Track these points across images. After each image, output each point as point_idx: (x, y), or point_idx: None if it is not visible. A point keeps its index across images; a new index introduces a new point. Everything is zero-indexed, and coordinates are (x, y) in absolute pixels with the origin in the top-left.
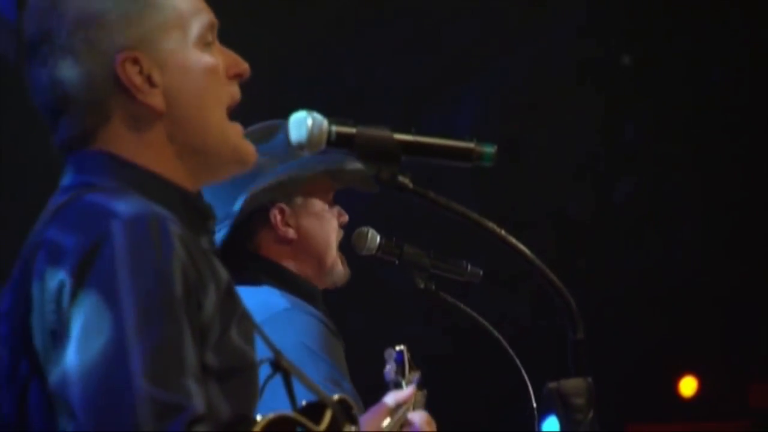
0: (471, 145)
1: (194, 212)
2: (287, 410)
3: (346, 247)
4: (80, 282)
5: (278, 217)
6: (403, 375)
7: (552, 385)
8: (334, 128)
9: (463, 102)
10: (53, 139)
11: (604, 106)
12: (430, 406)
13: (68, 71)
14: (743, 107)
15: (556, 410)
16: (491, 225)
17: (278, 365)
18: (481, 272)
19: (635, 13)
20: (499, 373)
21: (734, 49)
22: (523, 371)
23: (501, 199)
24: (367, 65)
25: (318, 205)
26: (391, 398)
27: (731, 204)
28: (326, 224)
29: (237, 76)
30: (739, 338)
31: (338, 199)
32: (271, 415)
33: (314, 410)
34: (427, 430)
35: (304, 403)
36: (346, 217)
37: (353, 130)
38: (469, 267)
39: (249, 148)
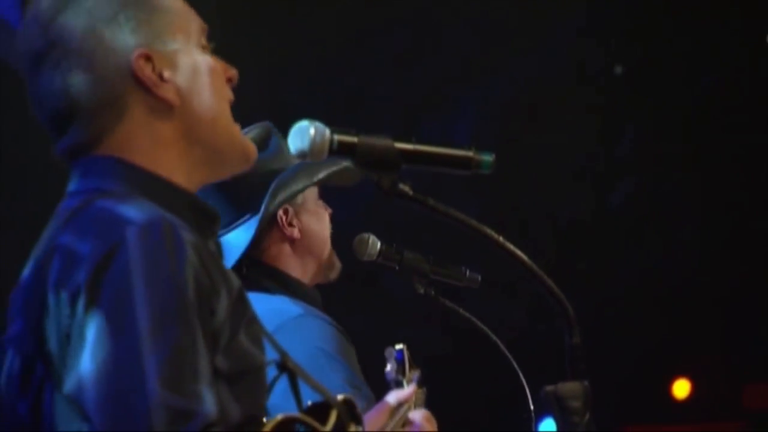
0: (470, 153)
1: (201, 216)
2: (294, 412)
3: (347, 251)
4: (96, 288)
5: (284, 218)
6: (403, 374)
7: (549, 388)
8: (336, 137)
9: (462, 109)
10: (56, 148)
11: (601, 111)
12: (431, 409)
13: (83, 73)
14: (740, 110)
15: (553, 413)
16: (489, 231)
17: (284, 366)
18: (480, 278)
19: (632, 19)
20: (498, 377)
21: (731, 53)
22: (521, 374)
23: (500, 201)
24: (366, 73)
25: (313, 202)
26: (392, 397)
27: (726, 208)
28: (322, 220)
29: (228, 81)
30: (733, 340)
31: (339, 205)
32: (278, 417)
33: (320, 410)
34: (428, 427)
35: (309, 403)
36: (330, 210)
37: (355, 139)
38: (467, 272)
39: (253, 147)
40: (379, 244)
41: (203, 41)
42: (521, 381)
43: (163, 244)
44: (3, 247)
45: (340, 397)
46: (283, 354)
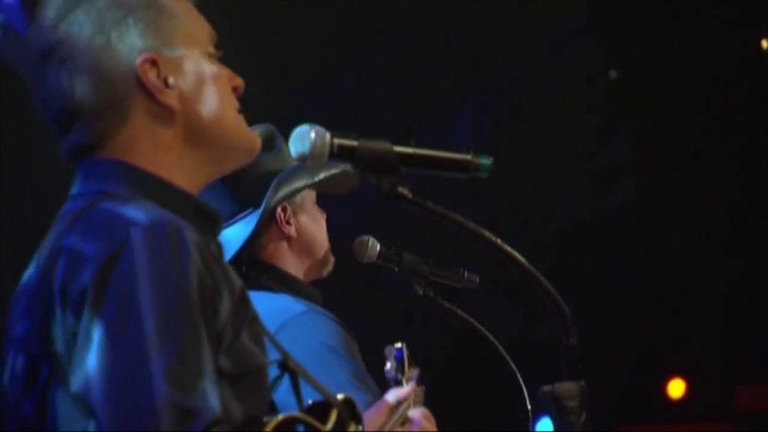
0: (468, 157)
1: (203, 217)
2: (295, 411)
3: (347, 253)
4: (101, 289)
5: (282, 216)
6: (402, 372)
7: (546, 388)
8: (337, 141)
9: (460, 112)
10: (60, 147)
11: (599, 114)
12: (430, 407)
13: (89, 73)
14: (737, 113)
15: (550, 412)
16: (487, 234)
17: (285, 366)
18: (478, 279)
19: (630, 23)
20: (495, 377)
21: (727, 56)
22: (518, 374)
23: (498, 203)
24: (367, 76)
25: (310, 204)
26: (392, 395)
27: (723, 210)
28: (319, 222)
29: (234, 90)
30: (726, 341)
31: (340, 208)
32: (279, 417)
33: (320, 410)
34: (427, 425)
35: (309, 402)
36: (324, 215)
37: (355, 143)
38: (466, 274)
39: (256, 139)
40: (378, 246)
41: (211, 49)
42: (519, 381)
43: (167, 245)
44: (3, 246)
45: (340, 396)
46: (284, 354)
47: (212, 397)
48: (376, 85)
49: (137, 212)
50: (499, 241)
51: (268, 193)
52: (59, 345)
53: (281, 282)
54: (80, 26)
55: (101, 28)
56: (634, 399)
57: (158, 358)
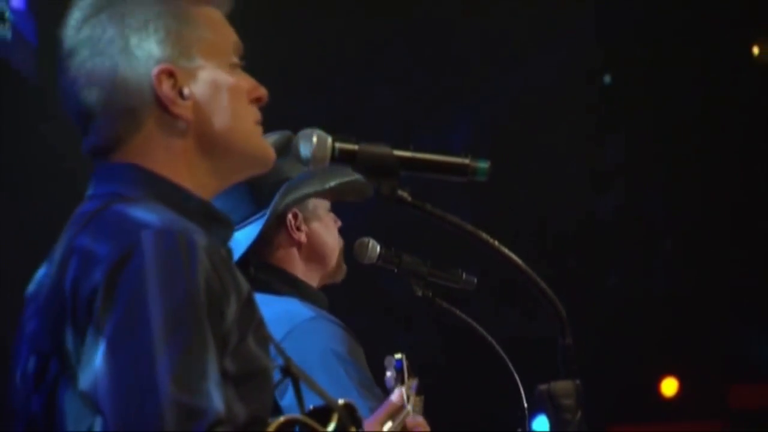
0: (466, 160)
1: (214, 222)
2: (297, 414)
3: (347, 254)
4: (112, 289)
5: (293, 222)
6: (402, 382)
7: (542, 386)
8: (338, 145)
9: (458, 119)
10: (83, 145)
11: (594, 120)
12: (429, 404)
13: (105, 76)
14: (727, 121)
15: (546, 410)
16: (485, 236)
17: (288, 371)
18: (476, 280)
19: (623, 34)
20: (493, 375)
21: (717, 64)
22: (515, 373)
23: (494, 206)
24: (367, 85)
25: (324, 211)
26: (396, 395)
27: (713, 216)
28: (331, 229)
29: (256, 100)
30: (719, 342)
31: (341, 211)
32: (281, 418)
33: (322, 414)
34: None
35: (311, 407)
36: (339, 223)
37: (355, 147)
38: (464, 275)
39: (270, 150)
40: (378, 248)
41: (234, 59)
42: (515, 379)
43: (177, 248)
44: (6, 247)
45: (341, 401)
46: (286, 359)
47: (216, 398)
48: (376, 91)
49: (149, 215)
50: (496, 242)
51: (276, 198)
52: (69, 343)
53: (290, 285)
54: (102, 29)
55: (121, 33)
56: (628, 397)
57: (164, 359)
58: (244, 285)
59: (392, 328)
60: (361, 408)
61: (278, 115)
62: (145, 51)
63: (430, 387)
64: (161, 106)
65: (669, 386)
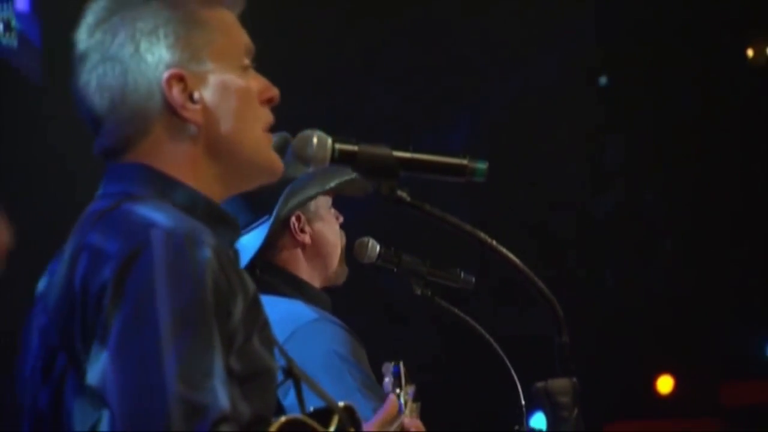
0: (464, 161)
1: (222, 223)
2: (298, 414)
3: (347, 255)
4: (120, 286)
5: (296, 224)
6: (400, 387)
7: (540, 384)
8: (338, 146)
9: (456, 121)
10: (94, 146)
11: (591, 122)
12: (428, 401)
13: (116, 80)
14: (724, 123)
15: (543, 407)
16: (483, 236)
17: (290, 372)
18: (474, 279)
19: (621, 35)
20: (491, 373)
21: (713, 67)
22: (513, 371)
23: (494, 210)
24: (367, 88)
25: (325, 210)
26: (390, 403)
27: (708, 217)
28: (333, 227)
29: (268, 101)
30: (713, 341)
31: (341, 211)
32: (283, 418)
33: (323, 415)
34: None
35: (312, 408)
36: (341, 219)
37: (355, 148)
38: (462, 275)
39: (278, 161)
40: (378, 248)
41: (245, 61)
42: (513, 377)
43: (185, 247)
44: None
45: (341, 403)
46: (288, 360)
47: (222, 395)
48: (376, 91)
49: (158, 214)
50: (494, 242)
51: (279, 203)
52: (77, 339)
53: (294, 287)
54: (114, 33)
55: (132, 38)
56: (624, 395)
57: (171, 356)
58: (251, 285)
59: (391, 327)
60: (363, 409)
61: (277, 116)
62: (156, 56)
63: (429, 385)
64: (171, 110)
65: (664, 384)
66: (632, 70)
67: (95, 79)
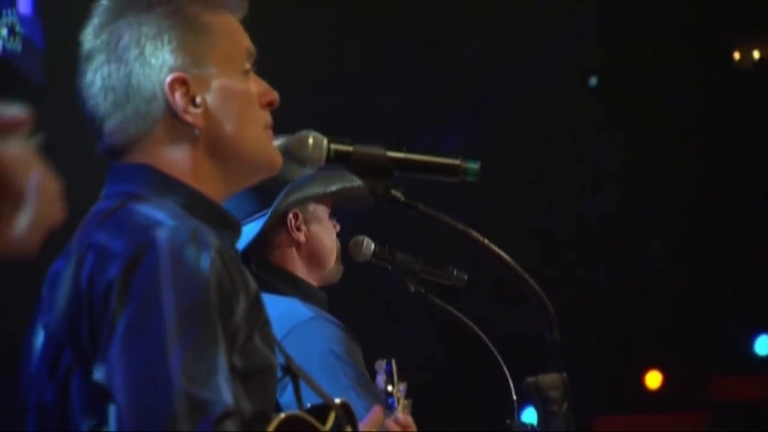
0: (457, 161)
1: (224, 223)
2: (297, 411)
3: (342, 254)
4: (126, 285)
5: (293, 222)
6: (392, 384)
7: (530, 379)
8: (333, 146)
9: (453, 121)
10: (97, 145)
11: (582, 125)
12: (421, 395)
13: (120, 81)
14: (713, 126)
15: (534, 402)
16: (476, 234)
17: (288, 369)
18: (466, 277)
19: (611, 39)
20: (483, 368)
21: (701, 69)
22: (504, 367)
23: (486, 207)
24: (363, 89)
25: (323, 212)
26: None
27: (697, 217)
28: (329, 232)
29: (268, 105)
30: (701, 336)
31: (337, 209)
32: (282, 415)
33: (319, 411)
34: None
35: (309, 405)
36: (338, 228)
37: (350, 148)
38: (455, 272)
39: (278, 156)
40: (373, 246)
41: (246, 65)
42: (505, 372)
43: (189, 247)
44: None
45: (338, 400)
46: (287, 357)
47: (225, 391)
48: (374, 92)
49: (162, 214)
50: (486, 241)
51: (279, 197)
52: (84, 335)
53: (292, 285)
54: (119, 35)
55: (137, 41)
56: (613, 390)
57: (176, 353)
58: (252, 284)
59: (385, 324)
60: (357, 407)
61: (277, 116)
62: (160, 59)
63: (422, 381)
64: (173, 113)
65: (653, 379)
66: (624, 71)
67: (100, 80)
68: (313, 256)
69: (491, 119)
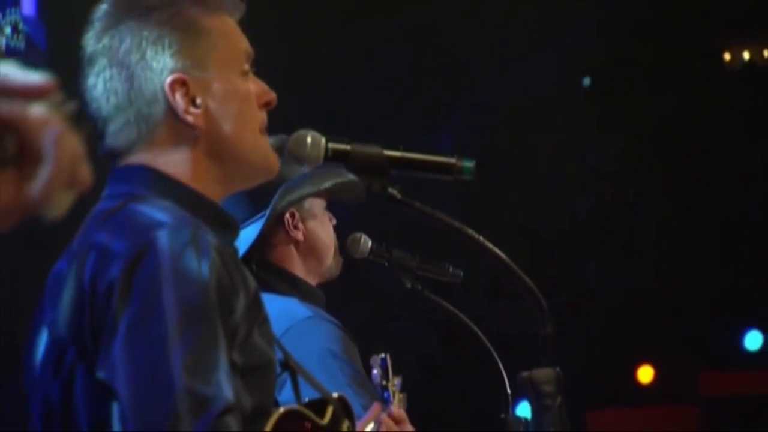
0: (452, 160)
1: (222, 223)
2: (296, 405)
3: (340, 251)
4: (128, 284)
5: (290, 221)
6: (387, 379)
7: (524, 373)
8: (331, 145)
9: (450, 121)
10: (99, 147)
11: (574, 124)
12: (417, 389)
13: (122, 84)
14: (702, 125)
15: (528, 396)
16: (471, 232)
17: (287, 365)
18: (462, 273)
19: (604, 39)
20: (478, 363)
21: (692, 69)
22: (499, 361)
23: (481, 209)
24: (360, 90)
25: (319, 210)
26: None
27: (686, 214)
28: (326, 227)
29: (266, 105)
30: (692, 332)
31: (335, 208)
32: (282, 409)
33: (318, 406)
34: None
35: (307, 399)
36: (334, 221)
37: (348, 147)
38: (450, 269)
39: (275, 159)
40: (370, 243)
41: (245, 66)
42: (499, 367)
43: (189, 246)
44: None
45: (335, 394)
46: (286, 354)
47: (226, 387)
48: (373, 94)
49: (162, 214)
50: (481, 238)
51: (275, 199)
52: (87, 333)
53: (290, 285)
54: (121, 39)
55: (138, 45)
56: (606, 384)
57: (178, 350)
58: (252, 282)
59: (382, 320)
60: (354, 404)
61: (275, 116)
62: (161, 63)
63: (417, 375)
64: (174, 114)
65: (645, 374)
66: (616, 72)
67: (102, 83)
68: (311, 252)
69: (487, 119)
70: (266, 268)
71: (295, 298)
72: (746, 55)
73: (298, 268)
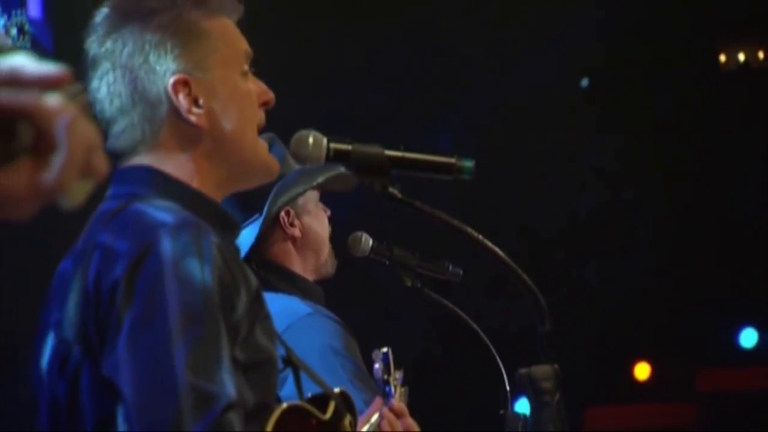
0: (452, 160)
1: (224, 223)
2: (298, 401)
3: (341, 249)
4: (131, 283)
5: (286, 219)
6: (388, 373)
7: (523, 370)
8: (332, 145)
9: (448, 121)
10: (105, 146)
11: (572, 124)
12: (418, 385)
13: (125, 87)
14: (698, 126)
15: (526, 393)
16: (470, 230)
17: (289, 361)
18: (461, 272)
19: (603, 41)
20: (477, 360)
21: (688, 70)
22: (498, 358)
23: (480, 208)
24: (361, 90)
25: (313, 204)
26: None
27: (684, 213)
28: (321, 220)
29: (264, 104)
30: (688, 330)
31: (335, 208)
32: (284, 405)
33: (320, 401)
34: (395, 425)
35: (310, 394)
36: (328, 212)
37: (349, 147)
38: (450, 267)
39: (275, 162)
40: (371, 242)
41: (245, 67)
42: (498, 364)
43: (191, 245)
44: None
45: (337, 389)
46: (288, 350)
47: (229, 384)
48: (372, 94)
49: (164, 214)
50: (481, 237)
51: (269, 200)
52: (91, 332)
53: (290, 282)
54: (123, 44)
55: (141, 48)
56: (603, 381)
57: (181, 348)
58: (253, 280)
59: (382, 318)
60: (356, 400)
61: (275, 116)
62: (164, 66)
63: (418, 372)
64: (177, 114)
65: (642, 371)
66: (615, 73)
67: (105, 86)
68: (309, 246)
69: (486, 119)
70: (265, 267)
71: (296, 296)
72: (741, 57)
73: (296, 264)
